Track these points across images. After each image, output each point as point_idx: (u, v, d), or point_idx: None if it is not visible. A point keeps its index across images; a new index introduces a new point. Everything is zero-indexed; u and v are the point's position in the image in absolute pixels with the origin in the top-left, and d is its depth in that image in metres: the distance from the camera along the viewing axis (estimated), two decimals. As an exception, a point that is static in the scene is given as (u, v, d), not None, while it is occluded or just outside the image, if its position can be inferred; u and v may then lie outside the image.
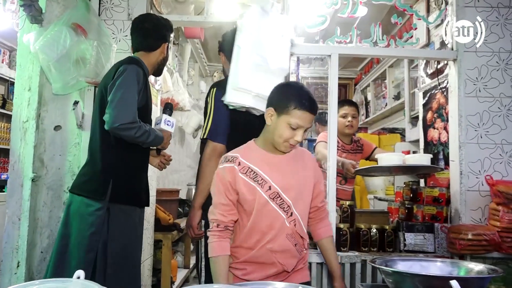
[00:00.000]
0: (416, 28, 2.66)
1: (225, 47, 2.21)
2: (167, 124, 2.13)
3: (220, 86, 2.08)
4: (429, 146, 3.09)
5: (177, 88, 3.84)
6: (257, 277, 1.54)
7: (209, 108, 2.07)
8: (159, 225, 3.13)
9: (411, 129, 4.10)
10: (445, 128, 2.83)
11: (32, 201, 2.33)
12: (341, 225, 2.44)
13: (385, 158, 2.28)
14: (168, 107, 2.17)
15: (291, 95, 1.55)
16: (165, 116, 2.13)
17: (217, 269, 1.52)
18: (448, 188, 2.58)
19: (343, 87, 6.52)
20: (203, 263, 2.09)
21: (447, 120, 2.79)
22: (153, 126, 2.14)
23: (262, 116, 2.01)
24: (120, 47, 2.47)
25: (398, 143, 4.27)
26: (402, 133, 6.23)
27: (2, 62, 5.60)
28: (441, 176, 2.65)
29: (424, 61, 3.21)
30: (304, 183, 1.64)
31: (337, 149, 2.88)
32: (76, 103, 2.39)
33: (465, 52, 2.51)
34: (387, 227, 2.50)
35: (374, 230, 2.47)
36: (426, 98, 3.17)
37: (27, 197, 2.31)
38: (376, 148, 3.21)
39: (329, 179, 2.45)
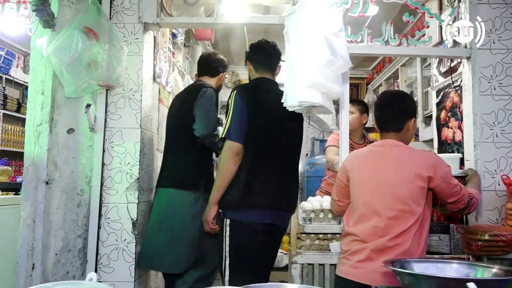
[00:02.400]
0: (428, 26, 2.62)
1: (252, 57, 2.43)
2: None
3: (240, 89, 2.23)
4: (443, 146, 3.05)
5: (188, 90, 3.84)
6: None
7: (229, 108, 2.18)
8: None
9: (424, 129, 4.04)
10: (460, 127, 2.78)
11: (46, 204, 2.36)
12: (354, 226, 2.42)
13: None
14: None
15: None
16: None
17: None
18: (463, 188, 2.53)
19: (354, 87, 6.47)
20: (227, 262, 2.11)
21: (462, 119, 2.75)
22: None
23: (288, 116, 2.13)
24: (131, 50, 2.48)
25: (412, 143, 4.20)
26: (415, 132, 6.15)
27: (17, 67, 5.68)
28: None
29: (437, 59, 3.17)
30: None
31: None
32: (88, 106, 2.40)
33: (479, 50, 2.47)
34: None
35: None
36: (440, 97, 3.12)
37: (41, 199, 2.34)
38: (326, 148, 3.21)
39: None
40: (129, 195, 2.43)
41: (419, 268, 1.31)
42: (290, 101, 2.03)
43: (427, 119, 4.09)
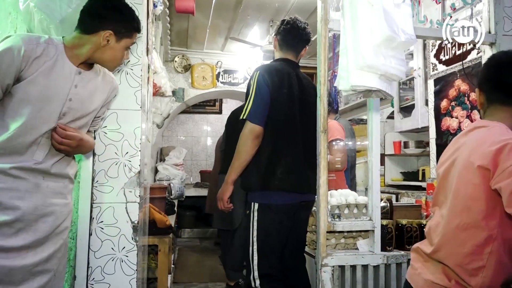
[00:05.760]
0: (454, 9, 2.49)
1: (281, 34, 2.31)
2: None
3: (263, 70, 2.16)
4: (444, 136, 2.98)
5: (160, 70, 3.37)
6: None
7: (251, 90, 2.13)
8: (154, 228, 2.68)
9: (401, 119, 4.01)
10: (469, 117, 2.72)
11: (19, 206, 1.81)
12: (384, 222, 2.21)
13: None
14: None
15: None
16: None
17: None
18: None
19: (309, 77, 6.35)
20: (255, 247, 2.07)
21: (472, 109, 2.68)
22: None
23: (309, 102, 2.04)
24: (129, 13, 1.99)
25: (388, 133, 4.16)
26: (369, 124, 6.16)
27: None
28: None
29: (436, 46, 3.09)
30: None
31: None
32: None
33: (504, 36, 2.38)
34: (424, 222, 2.32)
35: (416, 226, 2.28)
36: (439, 86, 3.05)
37: None
38: (329, 142, 2.92)
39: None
40: (128, 192, 1.96)
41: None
42: (343, 85, 1.83)
43: (403, 110, 4.06)
